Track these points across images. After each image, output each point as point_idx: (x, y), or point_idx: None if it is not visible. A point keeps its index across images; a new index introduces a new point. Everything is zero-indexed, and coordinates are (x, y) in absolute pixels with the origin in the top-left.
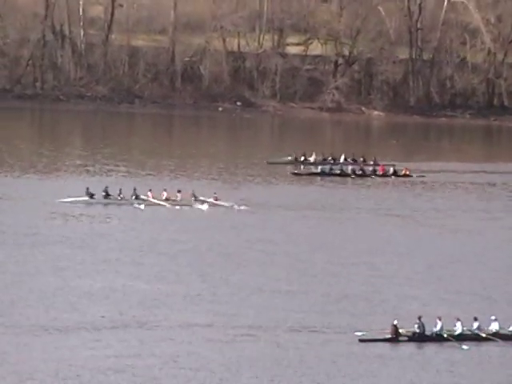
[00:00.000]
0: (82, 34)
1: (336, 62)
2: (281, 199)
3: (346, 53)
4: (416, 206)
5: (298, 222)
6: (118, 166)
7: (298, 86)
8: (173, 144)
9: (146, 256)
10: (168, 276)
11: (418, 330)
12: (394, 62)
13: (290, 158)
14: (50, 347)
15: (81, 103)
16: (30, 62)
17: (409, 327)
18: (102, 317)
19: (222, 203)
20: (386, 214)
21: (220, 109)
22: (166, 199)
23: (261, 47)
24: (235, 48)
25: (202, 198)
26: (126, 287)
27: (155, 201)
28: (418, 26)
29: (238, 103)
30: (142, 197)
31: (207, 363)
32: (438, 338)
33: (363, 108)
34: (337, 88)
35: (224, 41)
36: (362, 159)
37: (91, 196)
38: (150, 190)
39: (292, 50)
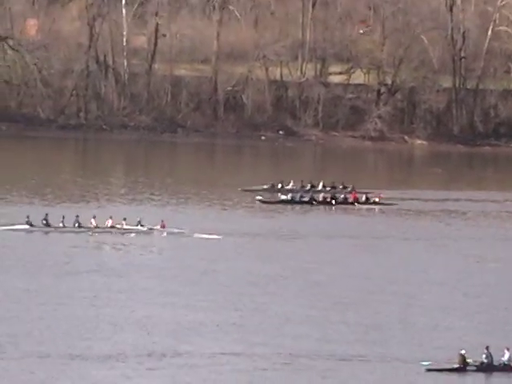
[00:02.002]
0: (125, 64)
1: (379, 90)
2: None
3: (389, 81)
4: (447, 233)
5: (321, 249)
6: (154, 194)
7: (340, 115)
8: (215, 173)
9: (178, 284)
10: (200, 304)
11: (485, 360)
12: (437, 91)
13: (265, 186)
14: (84, 376)
15: (124, 133)
16: (74, 92)
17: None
18: (135, 346)
19: (170, 229)
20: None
21: (263, 138)
22: (112, 226)
23: (303, 76)
24: (277, 77)
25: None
26: (158, 316)
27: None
28: (462, 54)
29: (281, 132)
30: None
31: None
32: (505, 368)
33: (406, 137)
34: (379, 117)
35: (266, 70)
36: (341, 186)
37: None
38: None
39: (334, 78)
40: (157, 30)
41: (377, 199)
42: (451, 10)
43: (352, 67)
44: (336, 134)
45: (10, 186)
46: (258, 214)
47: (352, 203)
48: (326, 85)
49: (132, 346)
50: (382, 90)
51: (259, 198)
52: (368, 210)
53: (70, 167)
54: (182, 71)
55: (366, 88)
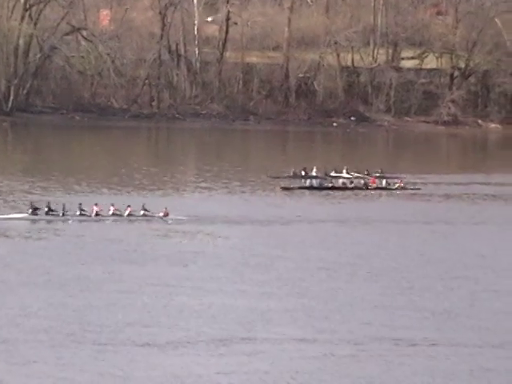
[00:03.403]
0: (196, 52)
1: (452, 74)
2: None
3: (462, 65)
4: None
5: (381, 235)
6: (222, 182)
7: (412, 100)
8: (285, 160)
9: (244, 271)
10: (268, 291)
11: None
12: (511, 74)
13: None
14: (155, 363)
15: (196, 121)
16: (147, 81)
17: None
18: (204, 332)
19: (174, 217)
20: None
21: (334, 124)
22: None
23: (375, 62)
24: (349, 63)
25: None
26: (226, 303)
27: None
28: None
29: (353, 118)
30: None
31: (308, 380)
32: None
33: (480, 121)
34: (453, 101)
35: (338, 56)
36: (366, 173)
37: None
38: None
39: (406, 63)
40: (228, 19)
41: (398, 184)
42: None
43: (424, 51)
44: (408, 119)
45: (83, 175)
46: (308, 200)
47: (367, 188)
48: (398, 70)
49: (201, 333)
50: (455, 73)
51: (282, 185)
52: (389, 194)
53: (142, 156)
54: (253, 59)
55: (438, 72)
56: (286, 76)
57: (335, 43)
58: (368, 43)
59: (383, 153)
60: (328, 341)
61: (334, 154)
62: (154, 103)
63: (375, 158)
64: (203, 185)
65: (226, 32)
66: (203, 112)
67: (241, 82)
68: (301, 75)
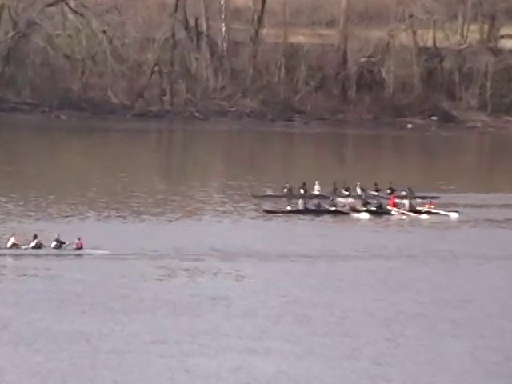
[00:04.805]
0: (223, 29)
1: None
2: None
3: None
4: None
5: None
6: (255, 204)
7: None
8: (343, 173)
9: (264, 321)
10: (310, 350)
11: None
12: None
13: (285, 190)
14: None
15: (222, 121)
16: (156, 68)
17: None
18: None
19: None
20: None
21: (409, 126)
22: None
23: (465, 41)
24: (429, 43)
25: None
26: (253, 366)
27: None
28: None
29: (434, 117)
30: None
31: None
32: None
33: None
34: None
35: (414, 34)
36: (389, 191)
37: None
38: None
39: (507, 43)
40: None
41: (427, 206)
42: None
43: None
44: (510, 118)
45: (68, 195)
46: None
47: (388, 212)
48: (497, 52)
49: None
50: None
51: (265, 207)
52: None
53: (147, 169)
54: (299, 38)
55: None
56: (344, 61)
57: (410, 16)
58: (455, 16)
59: (476, 165)
60: None
61: (408, 167)
62: (165, 98)
63: (465, 172)
64: (225, 208)
65: (263, 2)
66: (232, 109)
67: (283, 70)
68: (363, 60)
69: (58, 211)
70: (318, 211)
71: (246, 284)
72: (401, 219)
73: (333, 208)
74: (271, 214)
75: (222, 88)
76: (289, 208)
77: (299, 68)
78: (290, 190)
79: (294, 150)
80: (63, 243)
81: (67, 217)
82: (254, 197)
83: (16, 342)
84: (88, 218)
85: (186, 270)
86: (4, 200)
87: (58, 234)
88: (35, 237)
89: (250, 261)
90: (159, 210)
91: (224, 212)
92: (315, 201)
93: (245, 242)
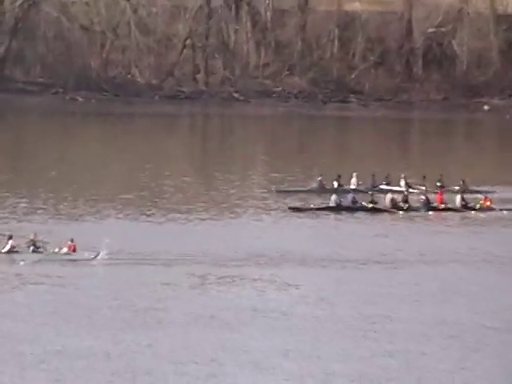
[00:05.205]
0: None
1: None
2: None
3: None
4: None
5: None
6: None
7: None
8: (406, 164)
9: (323, 340)
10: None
11: None
12: None
13: (314, 184)
14: None
15: (266, 104)
16: (188, 42)
17: None
18: None
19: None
20: None
21: (485, 107)
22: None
23: None
24: (510, 9)
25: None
26: None
27: None
28: None
29: None
30: None
31: None
32: None
33: None
34: None
35: None
36: (438, 184)
37: None
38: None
39: None
40: None
41: (482, 202)
42: None
43: None
44: None
45: (84, 190)
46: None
47: (434, 209)
48: None
49: None
50: None
51: (291, 204)
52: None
53: (177, 159)
54: (355, 5)
55: None
56: (408, 32)
57: None
58: None
59: None
60: None
61: (482, 159)
62: (199, 76)
63: None
64: (267, 203)
65: None
66: (277, 89)
67: (336, 43)
68: (431, 30)
69: (70, 209)
70: (353, 208)
71: (293, 293)
72: (449, 217)
73: (370, 205)
74: (297, 212)
75: (265, 65)
76: (312, 206)
77: (355, 41)
78: (321, 183)
79: (348, 138)
80: (39, 247)
81: (81, 216)
82: (278, 192)
83: (21, 360)
84: (106, 217)
85: (221, 277)
86: (4, 200)
87: (35, 235)
88: (10, 237)
89: (293, 266)
90: (189, 207)
91: (265, 210)
92: (350, 196)
93: (287, 245)
